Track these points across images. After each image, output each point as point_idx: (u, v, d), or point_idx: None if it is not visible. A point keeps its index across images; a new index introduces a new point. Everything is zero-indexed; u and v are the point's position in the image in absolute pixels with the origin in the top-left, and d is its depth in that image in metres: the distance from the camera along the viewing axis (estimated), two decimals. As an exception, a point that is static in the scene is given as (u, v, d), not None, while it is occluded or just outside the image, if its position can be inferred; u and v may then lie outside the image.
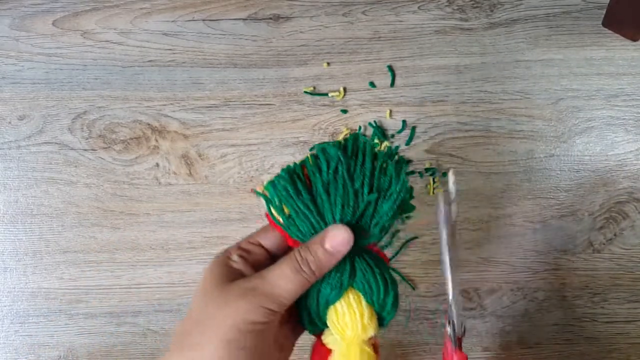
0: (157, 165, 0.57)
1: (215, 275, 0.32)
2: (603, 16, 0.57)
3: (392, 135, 0.57)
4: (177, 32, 0.58)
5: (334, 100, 0.57)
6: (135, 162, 0.57)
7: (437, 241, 0.57)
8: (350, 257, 0.34)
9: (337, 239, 0.32)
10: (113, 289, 0.56)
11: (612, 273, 0.56)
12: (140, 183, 0.57)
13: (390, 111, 0.57)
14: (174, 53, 0.58)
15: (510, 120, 0.57)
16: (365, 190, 0.33)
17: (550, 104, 0.57)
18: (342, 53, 0.58)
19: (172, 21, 0.58)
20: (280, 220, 0.34)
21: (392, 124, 0.57)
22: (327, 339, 0.34)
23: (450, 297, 0.34)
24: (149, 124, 0.57)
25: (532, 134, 0.57)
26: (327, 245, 0.32)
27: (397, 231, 0.37)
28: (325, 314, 0.34)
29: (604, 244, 0.56)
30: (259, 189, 0.34)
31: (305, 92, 0.57)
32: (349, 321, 0.33)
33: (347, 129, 0.57)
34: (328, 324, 0.34)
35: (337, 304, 0.33)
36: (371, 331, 0.33)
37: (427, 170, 0.56)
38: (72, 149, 0.57)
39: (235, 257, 0.34)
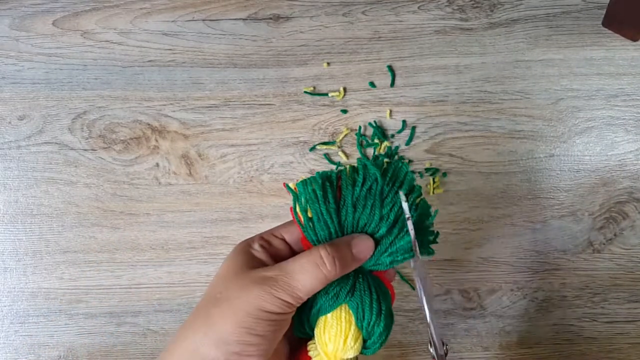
0: (157, 165, 0.57)
1: (236, 261, 0.33)
2: (603, 16, 0.57)
3: (392, 135, 0.57)
4: (177, 32, 0.58)
5: (334, 100, 0.57)
6: (135, 162, 0.57)
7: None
8: (354, 275, 0.34)
9: (362, 246, 0.33)
10: (113, 289, 0.56)
11: (612, 273, 0.56)
12: (140, 183, 0.57)
13: (390, 111, 0.57)
14: (174, 53, 0.58)
15: (510, 120, 0.57)
16: (391, 218, 0.34)
17: (551, 104, 0.57)
18: (342, 53, 0.58)
19: (172, 21, 0.58)
20: (302, 219, 0.34)
21: (392, 124, 0.57)
22: (311, 347, 0.34)
23: (428, 318, 0.34)
24: (149, 124, 0.57)
25: (532, 134, 0.57)
26: (354, 249, 0.33)
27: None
28: (315, 321, 0.34)
29: (604, 244, 0.56)
30: (292, 185, 0.35)
31: (305, 92, 0.57)
32: (333, 336, 0.33)
33: (347, 129, 0.57)
34: (315, 332, 0.34)
35: (328, 316, 0.33)
36: (351, 353, 0.33)
37: (427, 170, 0.56)
38: (72, 149, 0.57)
39: (257, 247, 0.34)
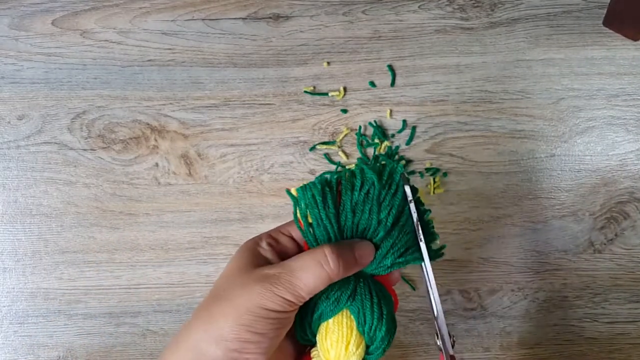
0: (157, 165, 0.57)
1: (242, 259, 0.33)
2: (604, 16, 0.57)
3: (393, 135, 0.57)
4: (177, 31, 0.58)
5: (334, 100, 0.57)
6: (135, 162, 0.57)
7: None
8: (355, 280, 0.34)
9: (364, 250, 0.33)
10: (112, 289, 0.56)
11: (613, 273, 0.56)
12: (139, 183, 0.57)
13: (391, 111, 0.57)
14: (174, 52, 0.58)
15: (510, 120, 0.56)
16: (389, 222, 0.34)
17: (551, 104, 0.57)
18: (342, 52, 0.57)
19: (172, 20, 0.58)
20: (302, 224, 0.34)
21: (392, 124, 0.57)
22: (314, 355, 0.34)
23: (436, 311, 0.35)
24: (148, 124, 0.57)
25: (532, 134, 0.56)
26: (356, 253, 0.33)
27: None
28: (317, 326, 0.34)
29: (604, 244, 0.56)
30: (292, 191, 0.35)
31: (305, 91, 0.57)
32: (334, 342, 0.33)
33: (347, 128, 0.57)
34: (317, 338, 0.34)
35: (330, 321, 0.33)
36: (354, 359, 0.33)
37: (427, 170, 0.56)
38: (71, 148, 0.57)
39: (264, 244, 0.34)
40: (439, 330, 0.35)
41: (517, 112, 0.57)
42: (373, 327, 0.33)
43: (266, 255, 0.34)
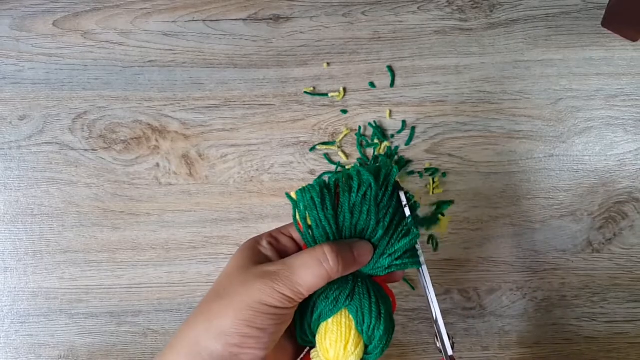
0: (158, 165, 0.57)
1: (242, 257, 0.33)
2: (602, 16, 0.57)
3: (392, 136, 0.57)
4: (178, 32, 0.58)
5: (334, 101, 0.57)
6: (136, 162, 0.57)
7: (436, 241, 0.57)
8: (353, 279, 0.34)
9: (362, 249, 0.34)
10: (113, 288, 0.56)
11: (611, 273, 0.56)
12: (140, 183, 0.57)
13: (390, 111, 0.57)
14: (175, 53, 0.58)
15: (509, 120, 0.57)
16: (386, 222, 0.34)
17: (550, 104, 0.57)
18: (342, 53, 0.58)
19: (173, 21, 0.58)
20: (300, 226, 0.34)
21: (392, 124, 0.57)
22: (313, 356, 0.35)
23: (435, 313, 0.35)
24: (149, 124, 0.57)
25: (531, 134, 0.57)
26: (355, 252, 0.33)
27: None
28: (316, 327, 0.34)
29: (603, 243, 0.56)
30: (292, 193, 0.35)
31: (305, 92, 0.57)
32: (333, 342, 0.33)
33: (347, 129, 0.57)
34: (316, 339, 0.34)
35: (329, 321, 0.34)
36: (353, 359, 0.33)
37: (427, 170, 0.56)
38: (72, 149, 0.57)
39: (264, 243, 0.35)
40: (438, 333, 0.35)
41: (516, 112, 0.57)
42: (371, 327, 0.33)
43: (266, 253, 0.34)
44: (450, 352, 0.35)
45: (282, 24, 0.58)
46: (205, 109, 0.57)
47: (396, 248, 0.34)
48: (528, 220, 0.56)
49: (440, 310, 0.35)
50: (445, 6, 0.58)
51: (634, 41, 0.57)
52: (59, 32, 0.58)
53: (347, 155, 0.57)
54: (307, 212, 0.34)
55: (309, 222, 0.34)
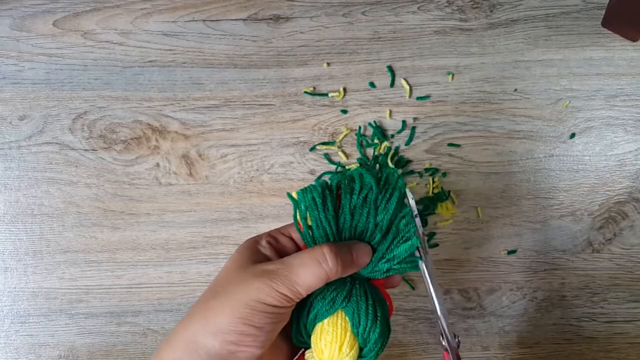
0: (158, 165, 0.57)
1: (241, 256, 0.34)
2: (602, 16, 0.57)
3: (392, 136, 0.57)
4: (178, 32, 0.58)
5: (334, 101, 0.57)
6: (136, 162, 0.57)
7: (436, 241, 0.57)
8: (351, 281, 0.34)
9: (361, 251, 0.34)
10: (113, 288, 0.56)
11: (611, 273, 0.56)
12: (140, 183, 0.57)
13: (390, 111, 0.57)
14: (175, 53, 0.58)
15: (509, 120, 0.57)
16: (384, 225, 0.34)
17: (550, 104, 0.57)
18: (342, 53, 0.58)
19: (173, 22, 0.58)
20: (301, 226, 0.34)
21: (392, 124, 0.57)
22: (308, 356, 0.35)
23: (439, 311, 0.35)
24: (149, 124, 0.57)
25: (531, 134, 0.57)
26: (354, 253, 0.33)
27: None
28: (312, 327, 0.34)
29: (603, 243, 0.56)
30: (293, 194, 0.36)
31: (305, 92, 0.57)
32: (328, 342, 0.33)
33: (347, 129, 0.57)
34: (311, 339, 0.34)
35: (325, 322, 0.34)
36: None
37: (426, 170, 0.56)
38: (72, 149, 0.57)
39: (263, 243, 0.35)
40: (444, 331, 0.35)
41: (516, 112, 0.57)
42: (367, 329, 0.33)
43: (265, 253, 0.34)
44: (453, 344, 0.35)
45: (282, 24, 0.58)
46: (205, 109, 0.57)
47: (395, 253, 0.34)
48: (528, 220, 0.56)
49: (443, 305, 0.36)
50: (445, 6, 0.58)
51: (634, 41, 0.57)
52: (59, 32, 0.58)
53: (347, 155, 0.57)
54: (307, 212, 0.34)
55: (309, 223, 0.34)
